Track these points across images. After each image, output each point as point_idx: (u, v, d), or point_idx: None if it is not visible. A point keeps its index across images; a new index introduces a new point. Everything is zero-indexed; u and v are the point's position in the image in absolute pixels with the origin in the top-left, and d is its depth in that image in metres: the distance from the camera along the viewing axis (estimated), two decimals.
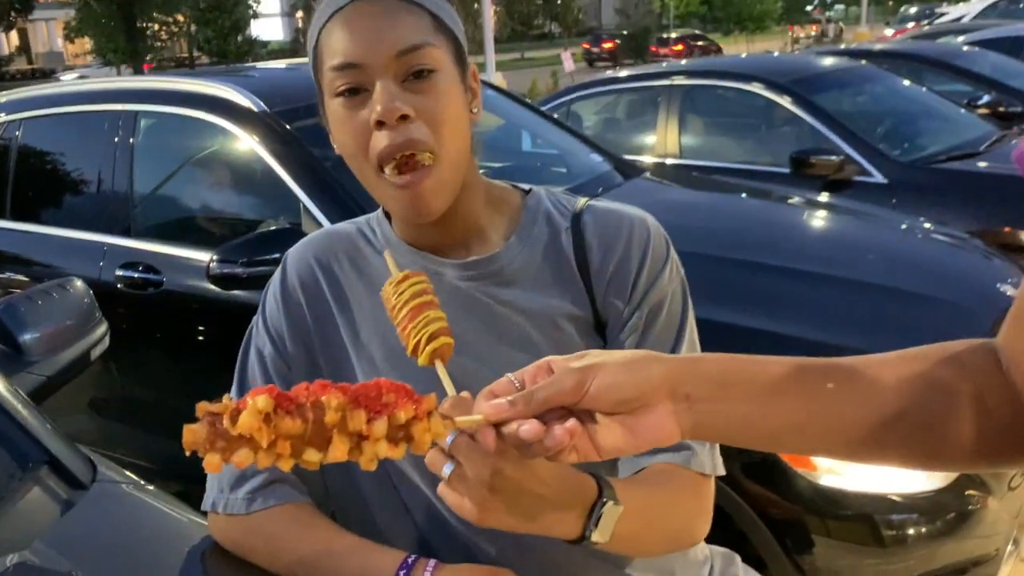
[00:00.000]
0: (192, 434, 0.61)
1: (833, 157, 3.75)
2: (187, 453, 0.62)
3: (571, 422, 0.64)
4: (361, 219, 1.06)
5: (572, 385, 0.63)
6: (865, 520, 1.80)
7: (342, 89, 0.87)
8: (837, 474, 1.77)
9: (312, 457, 0.63)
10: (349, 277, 1.01)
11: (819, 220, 3.04)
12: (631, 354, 0.67)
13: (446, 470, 0.72)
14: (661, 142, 4.51)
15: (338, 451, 0.63)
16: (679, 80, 4.60)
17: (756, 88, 4.19)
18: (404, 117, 0.85)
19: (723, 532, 1.16)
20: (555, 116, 4.99)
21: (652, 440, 0.65)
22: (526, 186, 1.04)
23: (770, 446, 0.69)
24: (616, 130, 5.15)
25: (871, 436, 0.63)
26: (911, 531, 1.79)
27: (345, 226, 1.06)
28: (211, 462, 0.61)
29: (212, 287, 2.45)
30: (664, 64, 5.74)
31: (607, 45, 29.94)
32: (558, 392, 0.64)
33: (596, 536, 0.78)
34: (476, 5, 19.05)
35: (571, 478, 0.78)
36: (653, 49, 29.06)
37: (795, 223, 3.00)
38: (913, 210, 3.26)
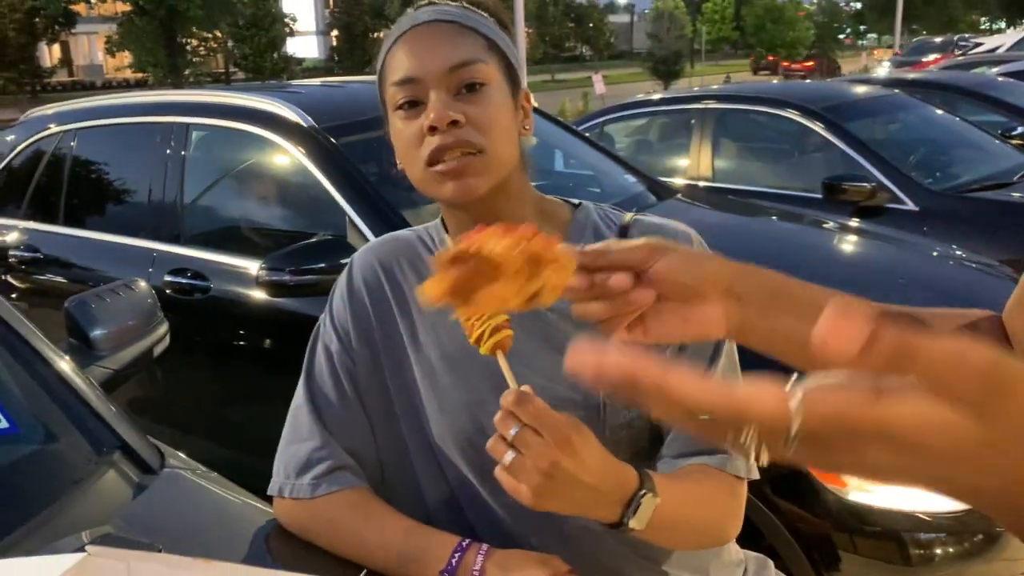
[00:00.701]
0: (435, 287, 0.64)
1: (865, 184, 3.79)
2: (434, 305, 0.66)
3: (646, 291, 0.64)
4: (421, 227, 1.12)
5: (643, 254, 0.65)
6: (892, 537, 1.83)
7: (402, 102, 0.96)
8: (866, 491, 1.81)
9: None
10: (410, 281, 1.07)
11: (851, 245, 3.09)
12: (695, 250, 0.70)
13: (508, 457, 0.79)
14: (694, 165, 4.57)
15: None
16: (712, 104, 4.66)
17: (789, 114, 4.24)
18: (455, 123, 0.92)
19: (754, 547, 1.21)
20: (588, 137, 5.08)
21: (700, 332, 0.67)
22: (576, 200, 1.10)
23: (803, 362, 0.71)
24: (649, 152, 5.22)
25: None
26: (938, 550, 1.82)
27: (407, 233, 1.12)
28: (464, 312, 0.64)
29: (257, 294, 2.55)
30: (696, 88, 5.81)
31: (808, 64, 29.66)
32: (629, 252, 0.65)
33: (633, 523, 0.85)
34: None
35: (617, 470, 0.85)
36: (785, 64, 29.29)
37: (828, 247, 3.04)
38: (944, 238, 3.29)
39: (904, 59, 20.03)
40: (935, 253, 2.95)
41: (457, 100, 0.94)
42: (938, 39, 24.09)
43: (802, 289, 0.69)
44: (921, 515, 1.82)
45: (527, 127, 1.02)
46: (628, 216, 1.07)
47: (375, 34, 33.19)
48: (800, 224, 3.20)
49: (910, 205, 3.76)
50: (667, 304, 0.65)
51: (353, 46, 36.00)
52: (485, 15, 1.02)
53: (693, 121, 4.68)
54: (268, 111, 2.81)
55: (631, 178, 3.40)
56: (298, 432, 1.05)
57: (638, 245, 0.66)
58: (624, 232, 1.04)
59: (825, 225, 3.17)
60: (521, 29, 17.04)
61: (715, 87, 5.44)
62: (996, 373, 0.34)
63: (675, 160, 4.79)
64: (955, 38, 23.71)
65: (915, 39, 28.69)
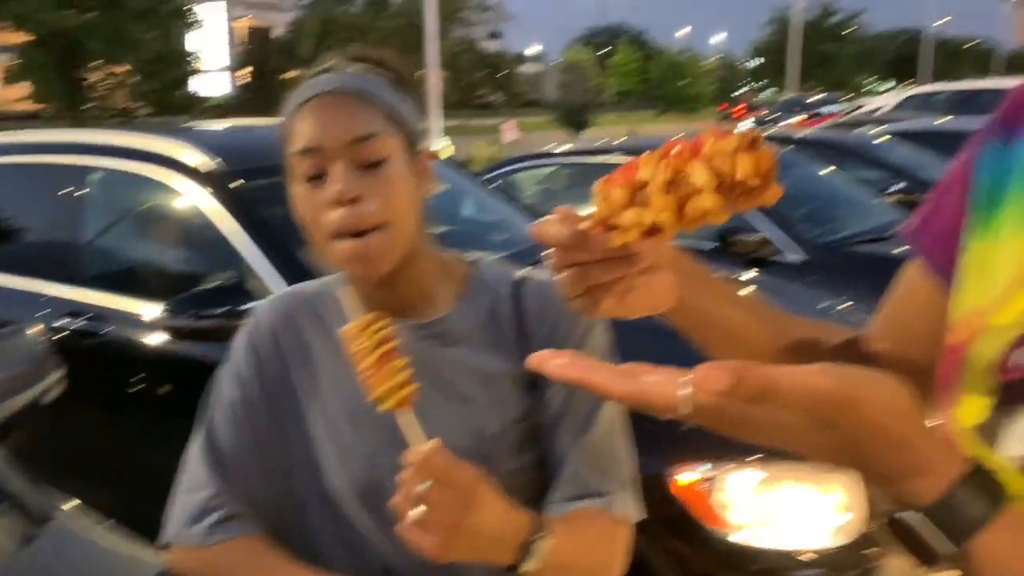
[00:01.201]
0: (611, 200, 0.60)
1: (755, 236, 4.01)
2: (600, 223, 0.61)
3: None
4: (325, 279, 1.15)
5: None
6: None
7: (304, 171, 0.97)
8: (746, 529, 1.91)
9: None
10: (312, 334, 1.10)
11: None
12: None
13: (414, 514, 0.84)
14: (585, 224, 4.72)
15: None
16: (613, 159, 4.85)
17: None
18: (356, 199, 0.95)
19: None
20: (496, 184, 5.19)
21: (649, 304, 0.70)
22: (473, 255, 1.15)
23: (717, 347, 0.78)
24: (555, 201, 5.33)
25: (789, 355, 0.78)
26: None
27: (310, 286, 1.15)
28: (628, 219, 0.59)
29: (158, 338, 2.51)
30: (596, 142, 6.03)
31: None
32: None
33: (528, 566, 0.90)
34: (422, 71, 19.53)
35: (514, 516, 0.91)
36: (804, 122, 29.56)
37: None
38: (827, 288, 3.50)
39: (767, 118, 21.22)
40: (819, 307, 3.14)
41: (359, 174, 0.96)
42: (811, 99, 25.54)
43: (720, 281, 0.77)
44: (799, 554, 1.93)
45: (428, 187, 1.06)
46: (523, 271, 1.13)
47: (286, 74, 33.05)
48: None
49: (796, 257, 3.99)
50: (634, 276, 0.69)
51: (263, 85, 35.65)
52: (389, 77, 1.05)
53: (596, 174, 4.84)
54: (172, 153, 2.80)
55: None
56: (194, 480, 1.06)
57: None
58: (519, 286, 1.10)
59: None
60: (435, 74, 17.27)
61: (612, 141, 5.66)
62: (838, 394, 0.45)
63: (579, 210, 4.92)
64: (815, 98, 25.24)
65: (782, 99, 30.29)
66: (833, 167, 5.20)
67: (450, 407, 1.05)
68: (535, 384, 1.07)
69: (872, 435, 0.46)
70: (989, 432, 0.61)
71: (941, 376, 0.68)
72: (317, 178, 0.97)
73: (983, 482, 0.47)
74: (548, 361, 0.52)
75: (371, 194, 0.96)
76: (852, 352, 0.82)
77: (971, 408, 0.63)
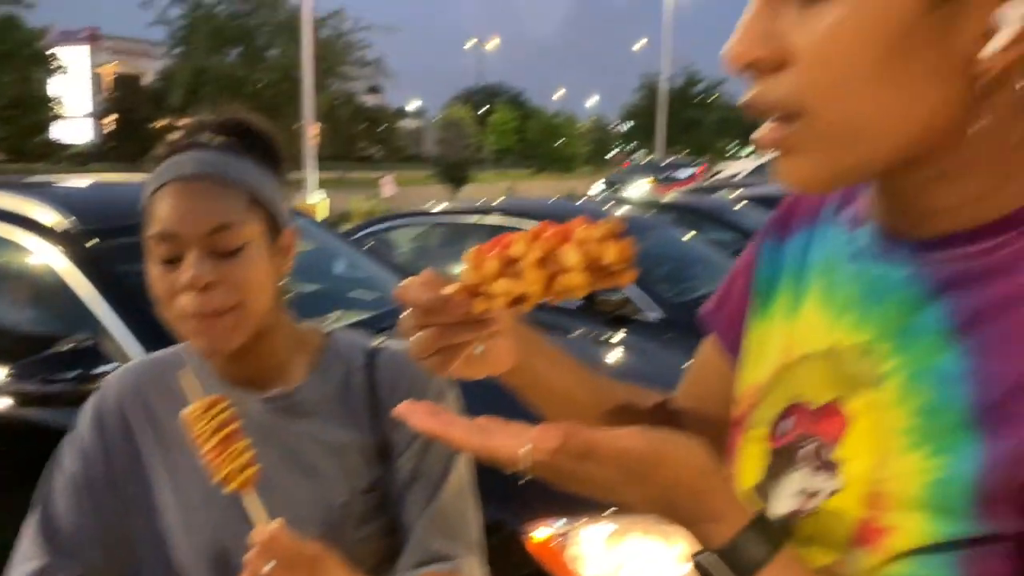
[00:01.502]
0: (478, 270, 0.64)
1: (617, 295, 4.19)
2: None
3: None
4: (177, 348, 1.15)
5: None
6: None
7: (159, 254, 0.99)
8: None
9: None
10: (164, 405, 1.10)
11: (612, 356, 3.42)
12: None
13: (266, 569, 0.86)
14: (448, 289, 4.81)
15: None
16: (489, 219, 4.98)
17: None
18: (209, 285, 0.97)
19: None
20: (370, 242, 5.21)
21: (492, 366, 0.75)
22: (328, 327, 1.19)
23: (554, 406, 0.83)
24: (428, 260, 5.43)
25: (612, 416, 0.86)
26: None
27: (162, 355, 1.16)
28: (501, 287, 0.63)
29: (2, 403, 2.39)
30: (468, 203, 6.16)
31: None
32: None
33: None
34: (296, 126, 19.38)
35: None
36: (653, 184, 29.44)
37: (588, 357, 3.34)
38: (683, 345, 3.69)
39: (616, 179, 22.34)
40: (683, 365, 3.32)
41: (215, 260, 0.98)
42: (665, 162, 26.90)
43: (552, 347, 0.84)
44: None
45: (288, 265, 1.09)
46: (376, 342, 1.16)
47: (154, 123, 31.97)
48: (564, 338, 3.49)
49: (655, 315, 4.20)
50: (483, 339, 0.73)
51: (129, 133, 34.33)
52: (257, 152, 1.07)
53: (470, 233, 4.97)
54: (23, 211, 2.70)
55: None
56: (26, 552, 1.05)
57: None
58: (372, 357, 1.13)
59: (573, 335, 3.49)
60: (311, 127, 17.17)
61: (491, 201, 5.81)
62: (647, 454, 0.53)
63: (453, 268, 5.01)
64: (666, 162, 26.67)
65: (638, 162, 31.80)
66: (693, 231, 5.52)
67: (298, 479, 1.07)
68: (385, 453, 1.10)
69: (676, 488, 0.54)
70: (763, 493, 0.69)
71: (729, 442, 0.77)
72: (172, 262, 0.99)
73: (764, 528, 0.55)
74: (412, 412, 0.58)
75: (224, 281, 0.98)
76: (663, 412, 0.91)
77: (750, 471, 0.72)
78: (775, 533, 0.56)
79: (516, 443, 0.53)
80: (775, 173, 0.60)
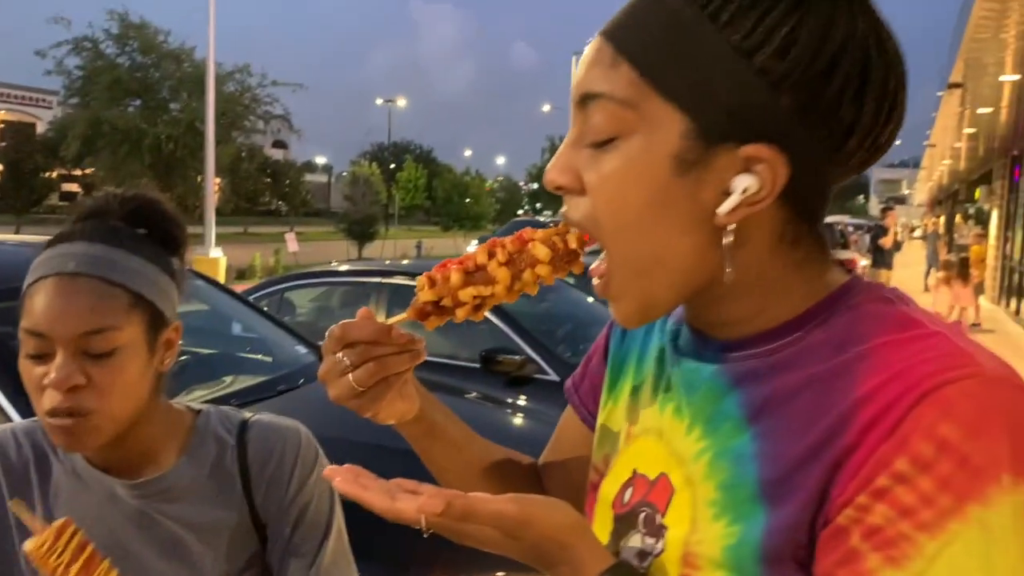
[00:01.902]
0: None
1: (516, 356, 4.27)
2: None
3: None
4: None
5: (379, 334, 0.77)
6: None
7: (29, 349, 0.97)
8: None
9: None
10: (32, 474, 1.07)
11: (508, 419, 3.46)
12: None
13: None
14: (395, 319, 4.81)
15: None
16: (389, 279, 5.00)
17: None
18: (75, 388, 0.95)
19: None
20: (267, 302, 5.15)
21: (406, 408, 0.83)
22: (198, 406, 1.18)
23: (445, 456, 0.91)
24: (330, 319, 5.39)
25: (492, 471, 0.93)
26: None
27: (32, 424, 1.12)
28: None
29: None
30: (371, 263, 6.18)
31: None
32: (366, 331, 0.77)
33: None
34: (200, 179, 19.02)
35: None
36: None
37: (490, 422, 3.38)
38: None
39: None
40: None
41: (84, 362, 0.96)
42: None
43: (441, 403, 0.91)
44: None
45: (167, 361, 1.08)
46: (245, 417, 1.17)
47: (48, 173, 30.80)
48: (461, 399, 3.53)
49: (553, 376, 4.28)
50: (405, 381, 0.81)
51: (20, 184, 32.97)
52: (156, 236, 1.06)
53: (372, 293, 4.98)
54: None
55: (303, 348, 3.54)
56: None
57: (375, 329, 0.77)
58: (242, 434, 1.14)
59: (469, 396, 3.54)
60: (211, 182, 16.89)
61: (388, 263, 5.85)
62: (519, 516, 0.61)
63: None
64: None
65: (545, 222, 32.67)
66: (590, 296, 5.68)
67: (174, 565, 1.07)
68: (260, 529, 1.12)
69: (545, 542, 0.63)
70: (611, 552, 0.77)
71: (587, 507, 0.84)
72: (41, 357, 0.97)
73: (622, 571, 0.64)
74: (335, 474, 0.65)
75: (91, 385, 0.97)
76: (533, 472, 0.99)
77: (600, 533, 0.79)
78: (630, 574, 0.66)
79: (415, 510, 0.60)
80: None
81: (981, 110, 12.44)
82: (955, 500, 0.54)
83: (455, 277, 0.73)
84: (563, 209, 0.71)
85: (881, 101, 0.62)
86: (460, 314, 0.74)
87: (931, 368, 0.57)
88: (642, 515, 0.73)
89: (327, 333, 0.76)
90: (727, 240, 0.63)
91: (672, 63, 0.62)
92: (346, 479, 0.64)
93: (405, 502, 0.61)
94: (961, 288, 13.26)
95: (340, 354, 0.74)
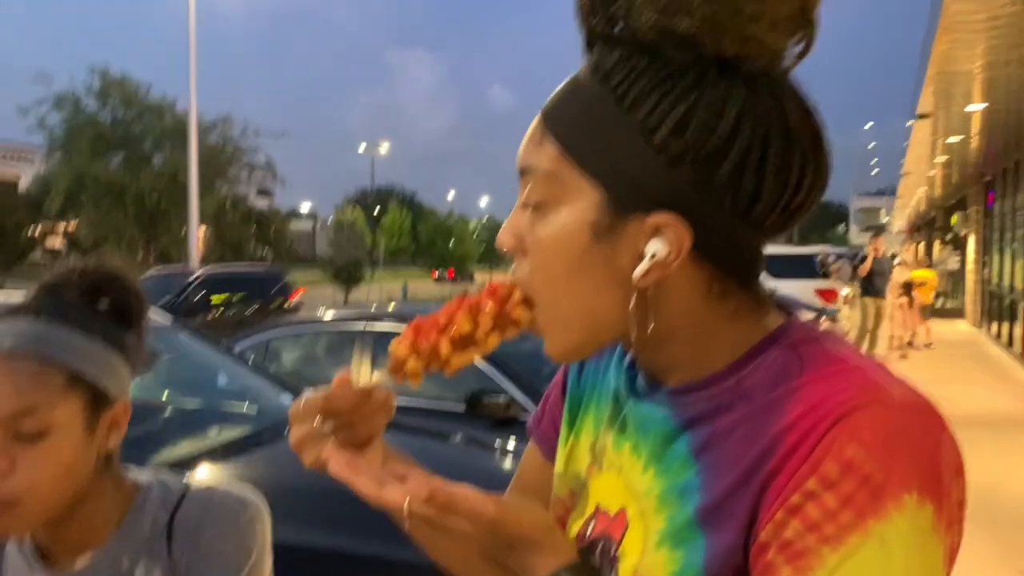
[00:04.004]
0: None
1: (501, 398, 4.30)
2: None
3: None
4: None
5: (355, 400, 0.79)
6: None
7: None
8: None
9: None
10: None
11: (494, 461, 3.48)
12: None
13: None
14: (376, 379, 4.82)
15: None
16: (372, 326, 5.03)
17: None
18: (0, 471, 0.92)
19: None
20: (253, 353, 5.16)
21: (371, 460, 0.83)
22: (146, 478, 1.12)
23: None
24: (316, 368, 5.42)
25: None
26: None
27: None
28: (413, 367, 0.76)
29: None
30: (368, 306, 6.20)
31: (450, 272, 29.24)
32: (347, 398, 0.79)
33: None
34: (183, 229, 19.02)
35: None
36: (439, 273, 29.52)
37: (479, 465, 3.41)
38: None
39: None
40: None
41: (12, 444, 0.93)
42: None
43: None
44: None
45: (115, 440, 1.04)
46: (187, 487, 1.12)
47: (31, 228, 30.70)
48: (446, 444, 3.56)
49: None
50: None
51: (2, 239, 32.84)
52: (112, 311, 1.04)
53: (356, 341, 5.00)
54: None
55: (289, 398, 3.56)
56: None
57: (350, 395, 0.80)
58: (178, 506, 1.09)
59: (455, 440, 3.57)
60: (195, 231, 16.91)
61: (375, 308, 5.88)
62: (496, 513, 0.66)
63: (346, 372, 5.01)
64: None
65: None
66: None
67: None
68: None
69: (517, 541, 0.69)
70: None
71: None
72: None
73: (580, 568, 0.71)
74: (332, 456, 0.69)
75: (17, 469, 0.93)
76: None
77: None
78: (589, 572, 0.74)
79: (401, 496, 0.64)
80: None
81: (951, 139, 12.68)
82: (856, 516, 0.59)
83: (445, 349, 0.76)
84: (511, 269, 0.78)
85: (784, 174, 0.68)
86: (449, 373, 0.77)
87: (843, 397, 0.63)
88: (600, 546, 0.77)
89: (300, 401, 0.77)
90: (638, 300, 0.70)
91: (587, 140, 0.69)
92: (339, 462, 0.68)
93: (392, 490, 0.65)
94: (907, 311, 13.48)
95: (317, 421, 0.77)
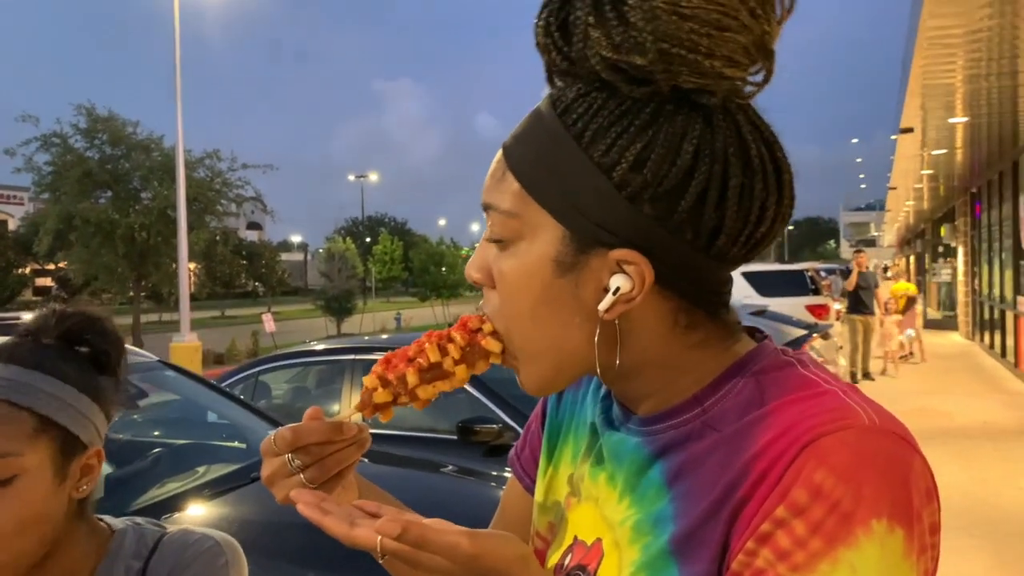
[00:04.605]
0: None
1: (494, 425, 4.26)
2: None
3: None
4: None
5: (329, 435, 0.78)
6: None
7: None
8: None
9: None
10: None
11: (484, 489, 3.44)
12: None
13: None
14: (346, 414, 4.80)
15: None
16: (365, 356, 5.01)
17: None
18: None
19: None
20: (242, 387, 5.12)
21: (345, 500, 0.80)
22: (121, 523, 1.10)
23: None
24: (306, 399, 5.38)
25: None
26: None
27: None
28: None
29: None
30: (350, 341, 6.18)
31: None
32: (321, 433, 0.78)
33: None
34: (173, 265, 18.99)
35: None
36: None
37: (467, 494, 3.36)
38: None
39: None
40: None
41: None
42: None
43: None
44: None
45: (84, 487, 1.03)
46: (161, 533, 1.11)
47: (20, 270, 30.63)
48: (438, 474, 3.52)
49: None
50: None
51: None
52: (90, 355, 1.04)
53: (346, 371, 4.97)
54: None
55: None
56: None
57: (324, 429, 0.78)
58: (154, 551, 1.09)
59: (444, 469, 3.53)
60: (185, 268, 16.88)
61: (367, 339, 5.86)
62: (471, 548, 0.63)
63: (329, 406, 4.99)
64: None
65: None
66: None
67: None
68: None
69: (494, 572, 0.65)
70: None
71: None
72: None
73: None
74: (299, 497, 0.67)
75: None
76: None
77: None
78: None
79: (373, 535, 0.62)
80: None
81: (936, 152, 12.79)
82: (825, 543, 0.58)
83: (412, 378, 0.75)
84: (481, 302, 0.77)
85: (745, 207, 0.67)
86: (419, 406, 0.77)
87: (813, 422, 0.62)
88: None
89: (270, 436, 0.76)
90: (603, 332, 0.70)
91: (547, 177, 0.69)
92: (308, 503, 0.66)
93: (363, 528, 0.63)
94: (905, 323, 13.61)
95: (289, 456, 0.76)
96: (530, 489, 0.93)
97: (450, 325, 0.79)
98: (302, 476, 0.76)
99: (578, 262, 0.69)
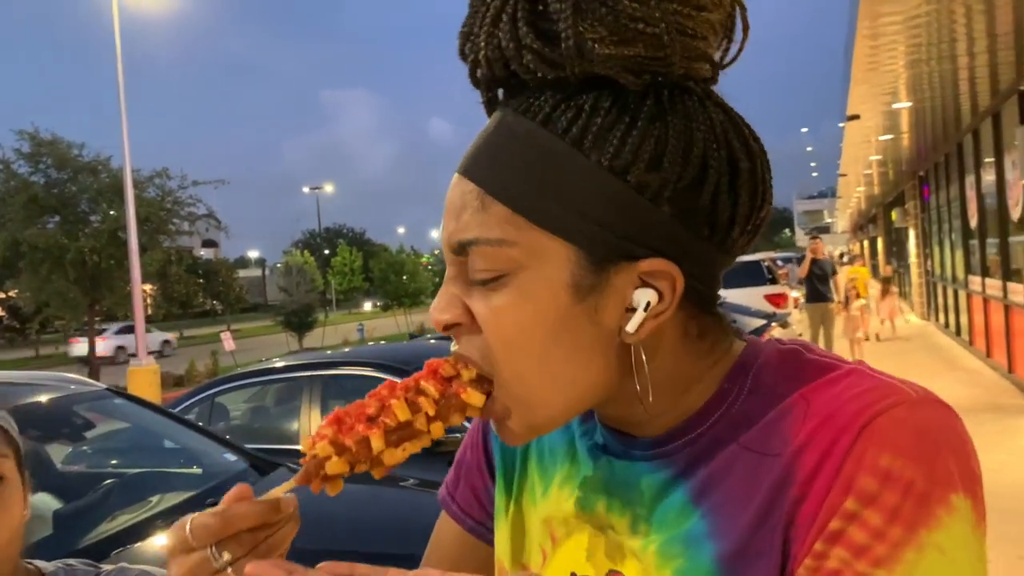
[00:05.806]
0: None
1: (459, 434, 4.20)
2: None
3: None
4: None
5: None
6: None
7: None
8: None
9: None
10: None
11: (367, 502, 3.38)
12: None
13: None
14: (306, 429, 4.72)
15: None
16: (320, 371, 4.92)
17: (379, 374, 4.63)
18: None
19: None
20: (198, 410, 5.01)
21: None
22: (52, 566, 1.08)
23: None
24: (265, 418, 5.27)
25: None
26: None
27: None
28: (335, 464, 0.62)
29: None
30: (307, 357, 6.08)
31: None
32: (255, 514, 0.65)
33: None
34: (128, 288, 18.58)
35: None
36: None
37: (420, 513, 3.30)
38: None
39: None
40: None
41: None
42: None
43: None
44: None
45: (24, 513, 1.03)
46: (96, 570, 1.09)
47: (3, 293, 29.74)
48: (397, 488, 3.44)
49: None
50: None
51: None
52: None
53: (304, 387, 4.88)
54: None
55: (232, 456, 3.43)
56: None
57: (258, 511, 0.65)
58: None
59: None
60: (138, 291, 16.54)
61: (330, 353, 5.76)
62: None
63: (288, 424, 4.89)
64: None
65: None
66: None
67: None
68: None
69: None
70: None
71: None
72: None
73: None
74: (257, 568, 0.56)
75: None
76: None
77: None
78: None
79: None
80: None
81: (883, 137, 13.01)
82: (906, 530, 0.54)
83: (377, 443, 0.62)
84: (453, 347, 0.67)
85: (753, 189, 0.64)
86: (379, 473, 0.64)
87: (858, 405, 0.57)
88: None
89: (183, 525, 0.61)
90: (621, 357, 0.63)
91: (544, 194, 0.61)
92: (255, 568, 0.55)
93: None
94: (880, 304, 13.96)
95: (212, 549, 0.60)
96: (474, 531, 0.86)
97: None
98: (230, 572, 0.60)
99: (599, 282, 0.61)
